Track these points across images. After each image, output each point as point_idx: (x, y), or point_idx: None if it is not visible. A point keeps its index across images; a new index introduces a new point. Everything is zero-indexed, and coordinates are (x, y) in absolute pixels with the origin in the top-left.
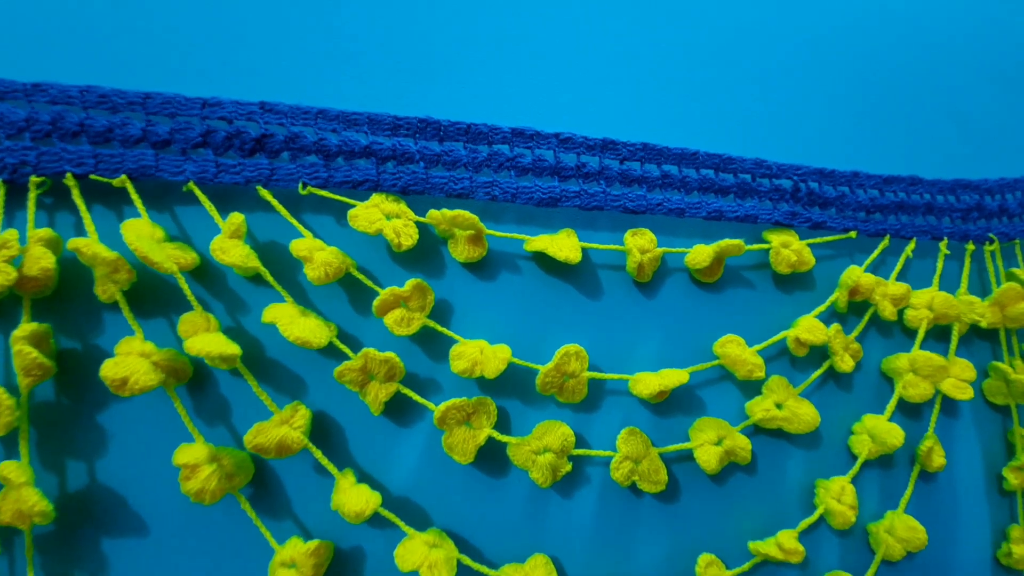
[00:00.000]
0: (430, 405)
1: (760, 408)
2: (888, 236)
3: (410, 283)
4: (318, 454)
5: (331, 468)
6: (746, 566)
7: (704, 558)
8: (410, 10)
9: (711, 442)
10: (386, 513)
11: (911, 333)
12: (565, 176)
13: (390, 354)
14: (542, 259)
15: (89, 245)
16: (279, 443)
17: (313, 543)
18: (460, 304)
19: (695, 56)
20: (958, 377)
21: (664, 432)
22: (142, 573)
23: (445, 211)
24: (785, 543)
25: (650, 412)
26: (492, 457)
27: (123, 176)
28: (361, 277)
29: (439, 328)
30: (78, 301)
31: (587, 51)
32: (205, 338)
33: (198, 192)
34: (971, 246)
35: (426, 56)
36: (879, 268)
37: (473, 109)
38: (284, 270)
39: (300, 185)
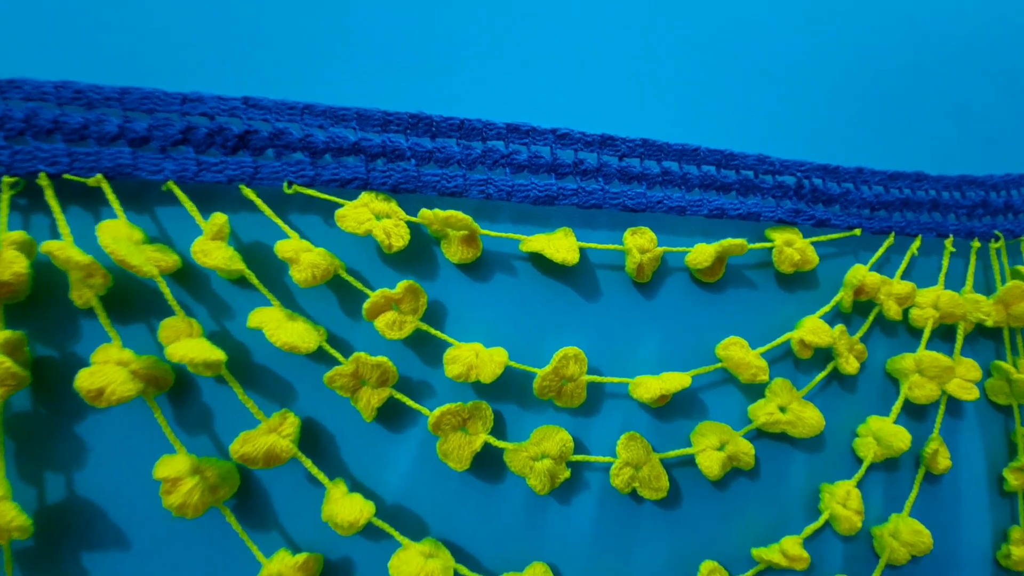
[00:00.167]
0: (424, 411)
1: (763, 412)
2: (893, 234)
3: (402, 285)
4: (308, 463)
5: (322, 478)
6: (749, 573)
7: (706, 565)
8: (400, 1)
9: (713, 447)
10: (379, 523)
11: (915, 332)
12: (562, 173)
13: (382, 358)
14: (539, 259)
15: (63, 248)
16: (267, 452)
17: (302, 556)
18: (454, 306)
19: (696, 50)
20: (963, 377)
21: (665, 437)
22: None
23: (437, 211)
24: (789, 549)
25: (650, 416)
26: (488, 464)
27: (99, 175)
28: (350, 279)
29: (432, 331)
30: (54, 306)
31: (585, 44)
32: (188, 344)
33: (178, 192)
34: (976, 243)
35: (417, 49)
36: (883, 266)
37: (466, 104)
38: (270, 272)
39: (286, 184)
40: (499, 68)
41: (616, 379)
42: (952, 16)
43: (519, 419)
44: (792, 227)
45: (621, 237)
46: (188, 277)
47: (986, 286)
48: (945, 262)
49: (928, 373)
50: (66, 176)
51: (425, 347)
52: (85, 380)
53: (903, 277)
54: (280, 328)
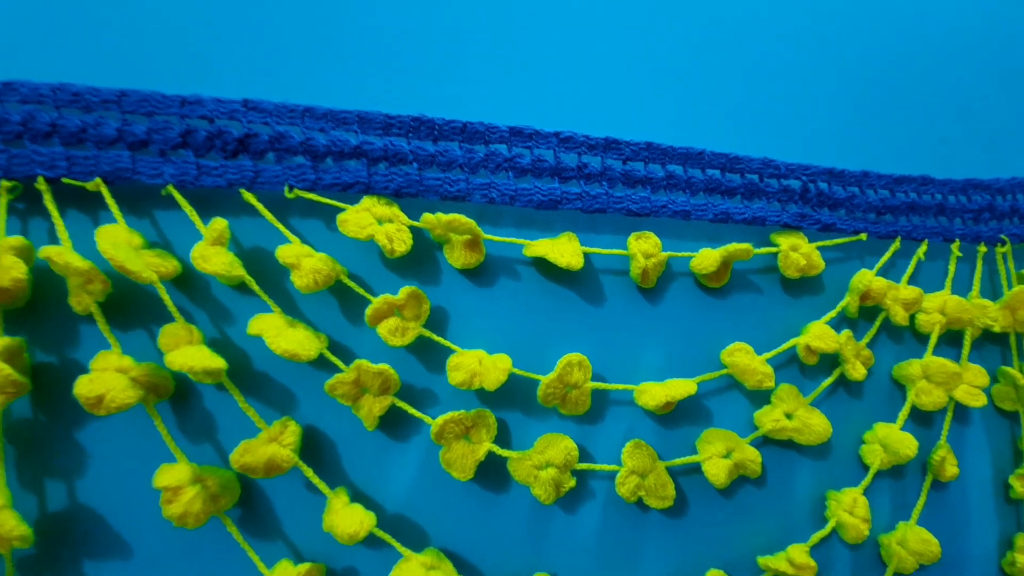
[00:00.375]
0: (427, 419)
1: (770, 418)
2: (899, 238)
3: (404, 291)
4: (309, 472)
5: (323, 487)
6: None
7: (712, 574)
8: (404, 3)
9: (719, 455)
10: (381, 533)
11: (922, 338)
12: (566, 177)
13: (384, 366)
14: (542, 264)
15: (61, 254)
16: (268, 462)
17: (304, 566)
18: (457, 312)
19: (700, 53)
20: (971, 383)
21: (670, 444)
22: None
23: (440, 215)
24: (796, 558)
25: (656, 423)
26: (492, 472)
27: (98, 179)
28: (352, 285)
29: (435, 338)
30: (54, 312)
31: (588, 46)
32: (188, 351)
33: (178, 196)
34: (983, 248)
35: (419, 51)
36: (889, 271)
37: (469, 107)
38: (270, 278)
39: (286, 188)
40: (502, 71)
41: (621, 386)
42: (957, 20)
43: (523, 427)
44: (797, 231)
45: (625, 242)
46: (188, 283)
47: (992, 291)
48: (951, 267)
49: (935, 379)
50: (65, 180)
51: (428, 354)
52: (84, 387)
53: (909, 282)
54: (280, 335)
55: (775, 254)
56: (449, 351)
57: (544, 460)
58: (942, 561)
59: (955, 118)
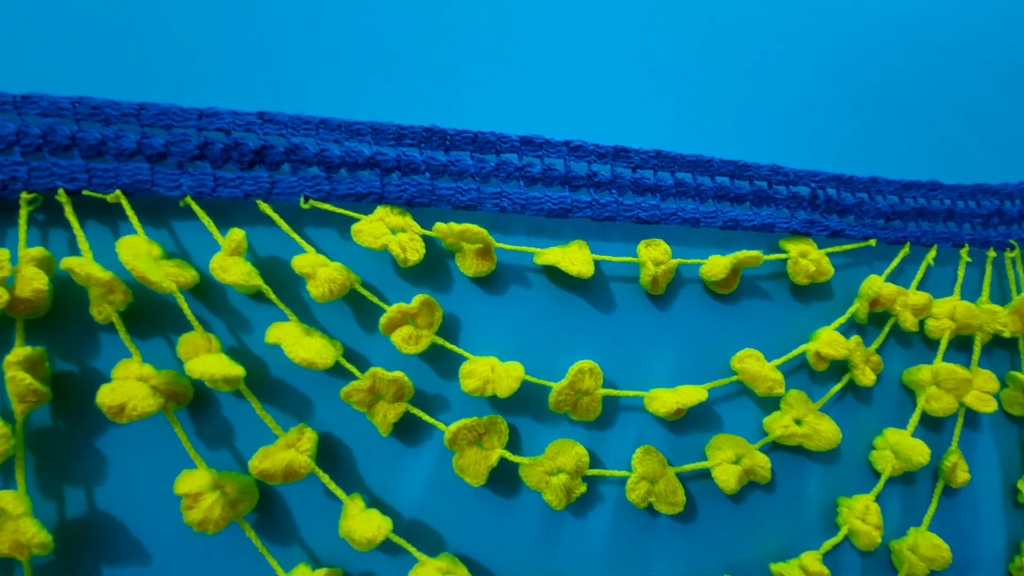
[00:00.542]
0: (440, 425)
1: (779, 424)
2: (908, 244)
3: (417, 299)
4: (325, 479)
5: (339, 493)
6: None
7: None
8: (414, 15)
9: (729, 461)
10: (397, 539)
11: (931, 343)
12: (576, 186)
13: (398, 373)
14: (553, 272)
15: (83, 265)
16: (285, 468)
17: (321, 571)
18: (469, 320)
19: (709, 61)
20: (981, 389)
21: (680, 450)
22: None
23: (452, 224)
24: (809, 566)
25: (666, 430)
26: (504, 478)
27: (117, 192)
28: (367, 294)
29: (448, 345)
30: (73, 322)
31: (598, 56)
32: (207, 360)
33: (196, 207)
34: (992, 253)
35: (431, 63)
36: (898, 277)
37: (480, 117)
38: (287, 287)
39: (302, 199)
40: (513, 81)
41: (631, 392)
42: (966, 24)
43: (534, 433)
44: (807, 238)
45: (635, 249)
46: (206, 292)
47: (1001, 296)
48: (961, 272)
49: (945, 385)
50: (85, 192)
51: (441, 361)
52: (107, 396)
53: (918, 287)
54: (298, 344)
55: (784, 260)
56: (462, 358)
57: (555, 466)
58: (951, 565)
59: (964, 123)
